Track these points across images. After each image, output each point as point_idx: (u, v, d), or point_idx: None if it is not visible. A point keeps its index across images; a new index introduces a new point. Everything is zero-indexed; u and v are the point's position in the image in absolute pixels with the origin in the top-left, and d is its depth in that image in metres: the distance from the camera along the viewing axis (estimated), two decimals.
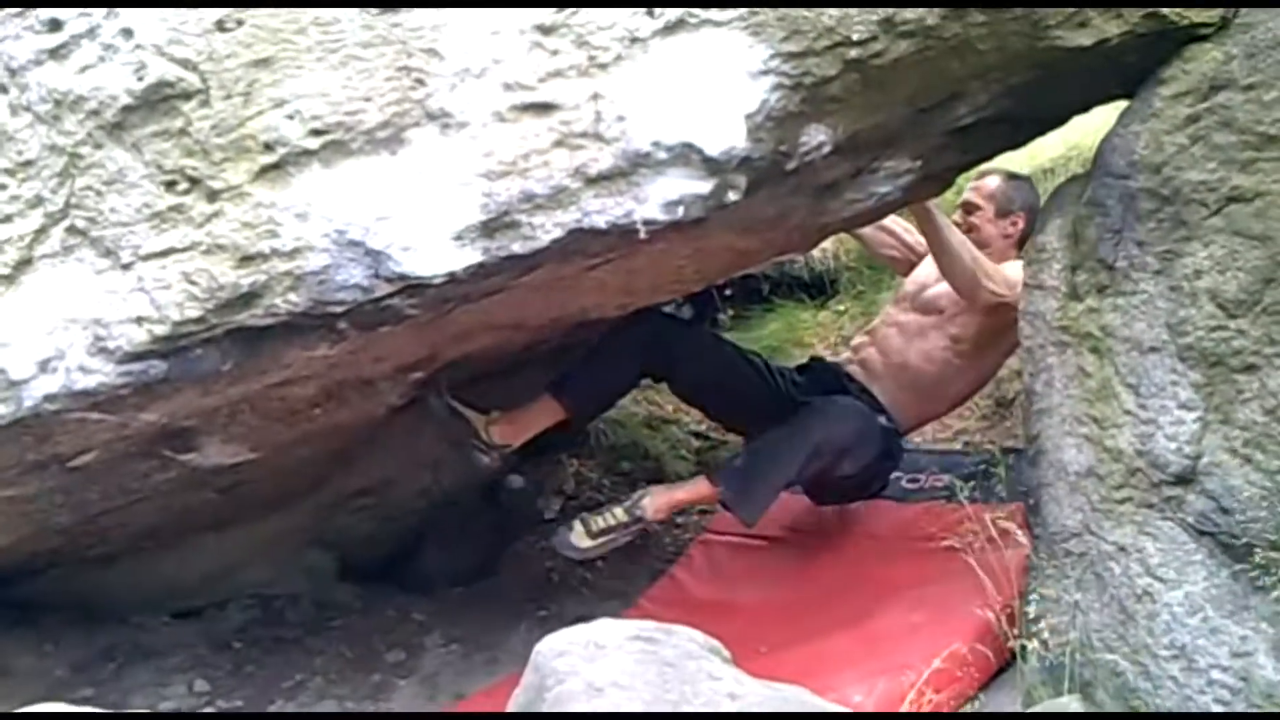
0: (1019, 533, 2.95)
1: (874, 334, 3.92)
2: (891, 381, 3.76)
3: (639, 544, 4.30)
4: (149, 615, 3.82)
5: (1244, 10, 2.47)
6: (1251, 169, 2.39)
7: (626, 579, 4.08)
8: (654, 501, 3.47)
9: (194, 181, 2.40)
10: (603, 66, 2.37)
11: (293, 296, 2.42)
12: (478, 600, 4.05)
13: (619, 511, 3.44)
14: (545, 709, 1.95)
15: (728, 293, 5.03)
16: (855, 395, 3.70)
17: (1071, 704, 2.51)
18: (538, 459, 4.42)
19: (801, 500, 4.04)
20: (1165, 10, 2.49)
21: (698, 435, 4.85)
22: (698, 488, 3.60)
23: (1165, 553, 2.50)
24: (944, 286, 3.73)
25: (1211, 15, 2.49)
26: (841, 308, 5.01)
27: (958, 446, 4.36)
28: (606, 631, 2.08)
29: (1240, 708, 2.40)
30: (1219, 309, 2.42)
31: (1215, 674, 2.43)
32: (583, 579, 4.12)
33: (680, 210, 2.44)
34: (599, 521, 3.43)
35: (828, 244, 4.74)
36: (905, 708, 2.80)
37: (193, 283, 2.41)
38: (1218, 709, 2.42)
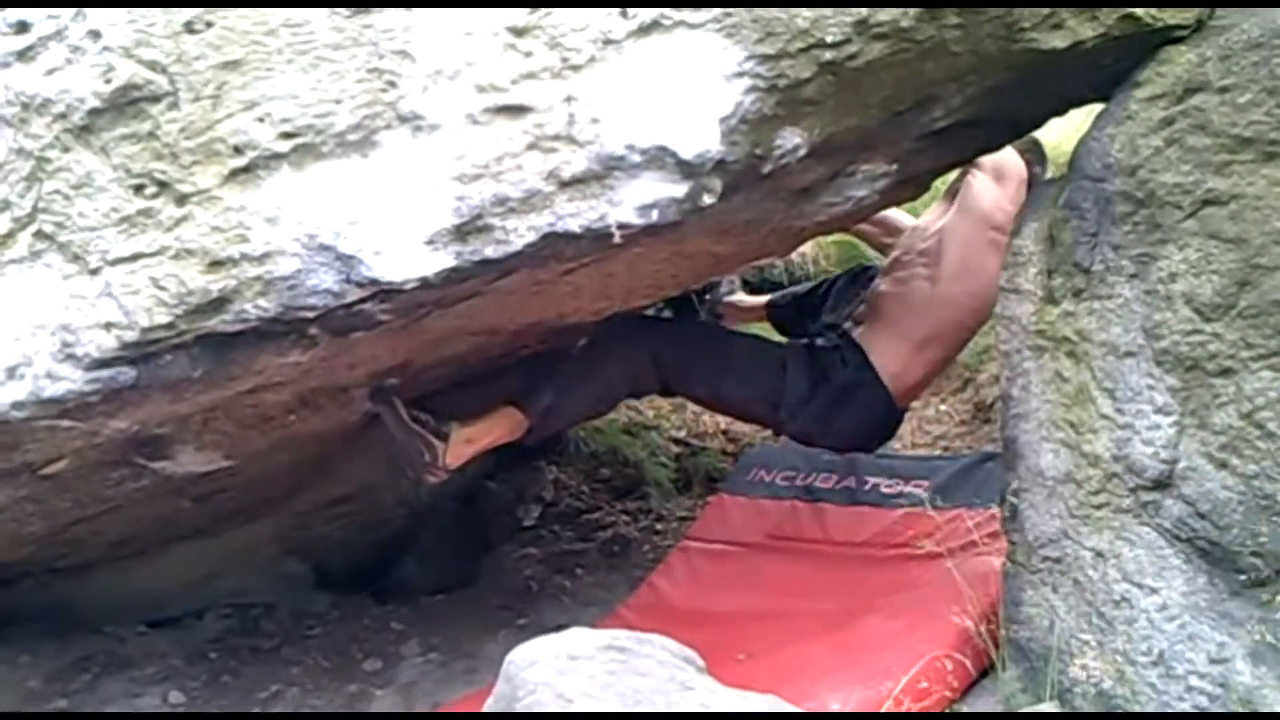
0: (998, 538, 2.94)
1: None
2: (869, 323, 3.63)
3: (618, 552, 4.31)
4: (124, 625, 3.81)
5: (1219, 11, 2.47)
6: (1226, 171, 2.38)
7: (606, 587, 4.08)
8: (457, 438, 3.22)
9: (163, 185, 2.37)
10: (576, 68, 2.35)
11: (263, 302, 2.39)
12: (456, 609, 4.03)
13: (431, 419, 3.19)
14: None
15: (706, 297, 5.01)
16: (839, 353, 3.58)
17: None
18: (517, 466, 4.41)
19: (780, 506, 4.03)
20: (1140, 12, 2.48)
21: (677, 441, 4.84)
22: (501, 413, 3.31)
23: (1143, 558, 2.49)
24: (927, 241, 3.68)
25: (1186, 17, 2.49)
26: None
27: (937, 452, 4.36)
28: (578, 641, 2.06)
29: None
30: (1195, 313, 2.41)
31: (1193, 680, 2.42)
32: (561, 587, 4.11)
33: (654, 214, 2.42)
34: (420, 414, 3.19)
35: (806, 248, 4.74)
36: None
37: (162, 288, 2.39)
38: None
